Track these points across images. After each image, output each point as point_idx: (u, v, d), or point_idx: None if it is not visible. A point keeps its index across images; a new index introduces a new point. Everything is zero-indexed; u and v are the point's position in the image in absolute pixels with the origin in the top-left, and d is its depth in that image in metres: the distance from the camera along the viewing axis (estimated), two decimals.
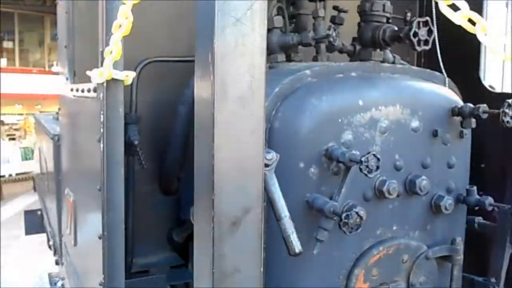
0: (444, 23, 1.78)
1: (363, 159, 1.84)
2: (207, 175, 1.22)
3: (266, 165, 1.64)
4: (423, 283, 2.21)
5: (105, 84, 1.84)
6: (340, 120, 1.98)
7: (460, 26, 1.32)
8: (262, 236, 1.31)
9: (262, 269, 1.32)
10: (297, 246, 1.65)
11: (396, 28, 2.19)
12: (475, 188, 2.24)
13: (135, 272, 2.56)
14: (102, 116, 1.84)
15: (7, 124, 14.88)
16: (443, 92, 2.24)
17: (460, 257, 2.23)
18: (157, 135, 2.57)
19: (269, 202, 1.69)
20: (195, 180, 1.32)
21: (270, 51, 2.22)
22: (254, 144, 1.29)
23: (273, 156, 1.65)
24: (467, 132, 2.24)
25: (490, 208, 2.22)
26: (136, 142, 2.33)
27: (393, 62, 2.36)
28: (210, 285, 1.20)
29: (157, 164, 2.58)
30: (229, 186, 1.25)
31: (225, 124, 1.23)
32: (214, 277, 1.21)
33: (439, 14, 1.44)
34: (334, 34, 2.25)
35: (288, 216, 1.67)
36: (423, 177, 2.10)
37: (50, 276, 4.13)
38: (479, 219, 2.38)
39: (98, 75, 1.83)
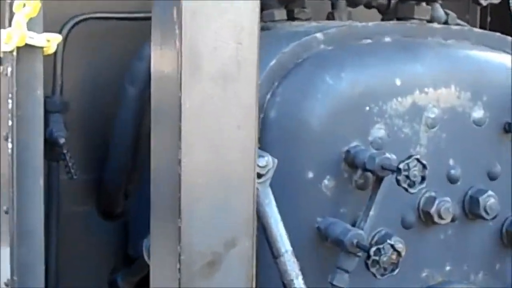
0: None
1: (401, 166, 1.84)
2: (170, 190, 1.22)
3: (258, 176, 1.64)
4: None
5: (15, 53, 1.82)
6: (367, 108, 1.98)
7: None
8: (253, 281, 1.30)
9: None
10: None
11: None
12: None
13: None
14: (10, 101, 1.82)
15: None
16: None
17: None
18: (93, 130, 2.55)
19: (262, 231, 1.69)
20: (151, 197, 1.31)
21: (264, 5, 2.21)
22: (241, 144, 1.28)
23: (268, 162, 1.65)
24: None
25: None
26: (62, 141, 2.30)
27: (446, 22, 2.36)
28: None
29: (94, 173, 2.56)
30: (203, 207, 1.24)
31: (197, 113, 1.22)
32: None
33: None
34: None
35: (290, 252, 1.67)
36: (490, 192, 2.10)
37: None
38: None
39: (4, 40, 1.82)
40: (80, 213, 2.59)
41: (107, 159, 2.49)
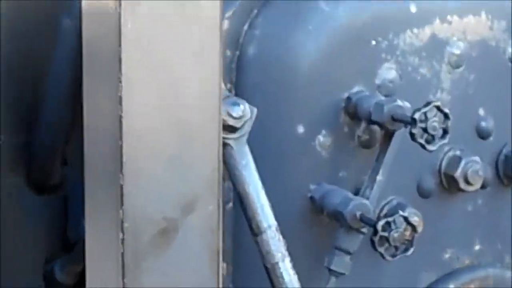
0: None
1: (417, 116, 1.84)
2: (109, 137, 1.21)
3: (233, 129, 1.63)
4: None
5: None
6: (373, 42, 1.98)
7: None
8: (219, 255, 1.31)
9: None
10: (291, 284, 1.67)
11: None
12: None
13: None
14: None
15: None
16: None
17: None
18: (20, 79, 2.53)
19: (239, 200, 1.70)
20: (85, 148, 1.32)
21: None
22: (200, 79, 1.27)
23: (245, 111, 1.65)
24: None
25: None
26: None
27: None
28: None
29: (23, 136, 2.55)
30: (153, 160, 1.24)
31: (142, 37, 1.20)
32: None
33: None
34: None
35: (274, 227, 1.68)
36: None
37: None
38: None
39: None
40: (8, 187, 2.58)
41: (39, 118, 2.47)
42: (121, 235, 1.23)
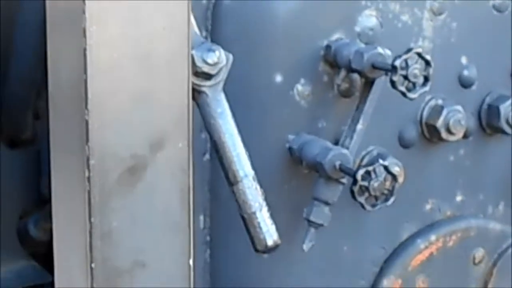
0: None
1: (398, 63, 1.82)
2: (73, 70, 1.18)
3: (208, 76, 1.61)
4: None
5: None
6: None
7: None
8: (190, 194, 1.29)
9: (191, 262, 1.33)
10: (269, 234, 1.66)
11: None
12: None
13: None
14: None
15: None
16: None
17: None
18: None
19: (215, 150, 1.68)
20: (49, 81, 1.30)
21: None
22: (170, 16, 1.24)
23: (220, 57, 1.62)
24: None
25: None
26: None
27: None
28: None
29: None
30: (120, 95, 1.21)
31: None
32: (95, 279, 1.19)
33: None
34: None
35: (251, 176, 1.66)
36: None
37: None
38: None
39: None
40: None
41: (7, 65, 2.44)
42: (87, 173, 1.21)
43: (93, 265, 1.22)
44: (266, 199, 1.69)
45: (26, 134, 2.57)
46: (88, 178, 1.21)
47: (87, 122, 1.19)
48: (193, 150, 1.87)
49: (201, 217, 1.95)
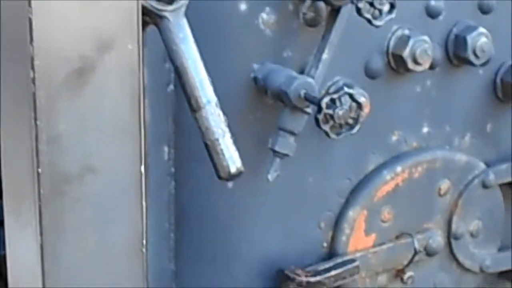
0: None
1: None
2: None
3: (169, 1, 1.58)
4: (477, 233, 2.30)
5: None
6: None
7: None
8: (140, 98, 1.27)
9: (143, 169, 1.29)
10: (232, 160, 1.65)
11: None
12: None
13: None
14: None
15: None
16: None
17: None
18: None
19: (177, 76, 1.66)
20: None
21: None
22: None
23: None
24: None
25: None
26: None
27: None
28: (33, 202, 1.18)
29: None
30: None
31: None
32: (42, 185, 1.17)
33: None
34: None
35: (214, 103, 1.64)
36: (481, 29, 2.11)
37: None
38: None
39: None
40: None
41: None
42: (32, 74, 1.17)
43: (39, 170, 1.19)
44: (229, 126, 1.67)
45: None
46: (33, 79, 1.17)
47: (30, 21, 1.15)
48: (156, 81, 1.86)
49: (166, 148, 1.93)
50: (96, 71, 1.22)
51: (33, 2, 1.14)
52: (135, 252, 1.31)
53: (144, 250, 1.33)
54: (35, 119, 1.18)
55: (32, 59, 1.16)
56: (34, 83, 1.17)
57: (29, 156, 1.21)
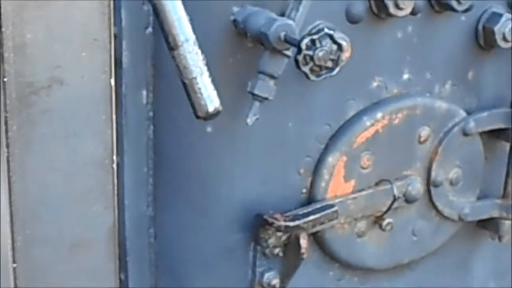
0: None
1: None
2: None
3: None
4: (456, 181, 2.30)
5: None
6: None
7: None
8: (111, 11, 1.23)
9: (113, 82, 1.26)
10: (209, 99, 1.63)
11: None
12: None
13: None
14: None
15: None
16: None
17: None
18: None
19: (155, 14, 1.63)
20: None
21: None
22: None
23: None
24: None
25: None
26: None
27: None
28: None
29: None
30: None
31: None
32: (7, 96, 1.14)
33: None
34: None
35: (192, 41, 1.62)
36: None
37: None
38: None
39: None
40: None
41: None
42: None
43: (5, 79, 1.16)
44: (207, 65, 1.64)
45: None
46: None
47: None
48: (135, 23, 1.82)
49: (144, 92, 1.90)
50: None
51: None
52: (105, 167, 1.28)
53: (114, 166, 1.30)
54: (0, 26, 1.13)
55: None
56: None
57: None
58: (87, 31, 1.21)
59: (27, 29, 1.17)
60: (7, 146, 1.18)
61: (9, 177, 1.20)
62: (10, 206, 1.23)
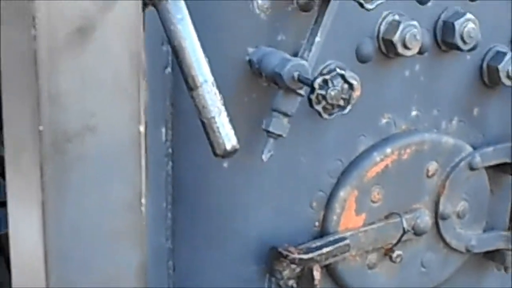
0: None
1: None
2: None
3: None
4: (463, 214, 2.31)
5: None
6: None
7: None
8: (141, 60, 1.26)
9: (142, 129, 1.30)
10: (227, 138, 1.65)
11: None
12: None
13: None
14: None
15: None
16: None
17: None
18: None
19: (175, 55, 1.65)
20: None
21: None
22: None
23: None
24: None
25: None
26: None
27: None
28: (34, 159, 1.17)
29: None
30: None
31: None
32: (43, 143, 1.16)
33: None
34: None
35: (210, 82, 1.64)
36: (469, 15, 2.12)
37: None
38: None
39: None
40: None
41: None
42: (33, 31, 1.16)
43: (41, 128, 1.18)
44: (225, 105, 1.67)
45: None
46: (34, 37, 1.15)
47: None
48: (154, 64, 1.85)
49: (163, 130, 1.93)
50: (97, 30, 1.20)
51: None
52: (134, 210, 1.31)
53: (143, 208, 1.33)
54: (37, 77, 1.16)
55: (34, 17, 1.14)
56: (36, 41, 1.15)
57: (30, 114, 1.19)
58: (117, 81, 1.24)
59: (62, 79, 1.19)
60: (42, 190, 1.21)
61: (43, 220, 1.23)
62: (44, 246, 1.25)
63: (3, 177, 2.62)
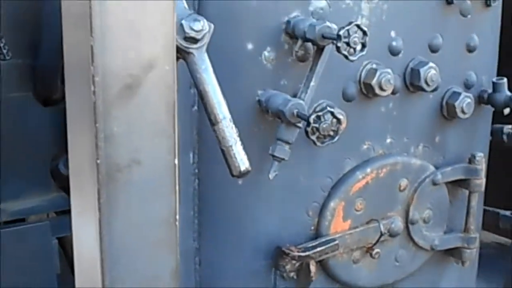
0: None
1: (342, 32, 1.81)
2: (80, 13, 1.17)
3: (194, 40, 1.58)
4: (428, 220, 2.30)
5: None
6: None
7: None
8: (175, 108, 1.28)
9: (176, 161, 1.31)
10: (242, 162, 1.65)
11: None
12: (505, 81, 2.28)
13: (5, 222, 2.51)
14: None
15: None
16: None
17: (481, 181, 2.30)
18: (25, 10, 2.43)
19: (200, 97, 1.66)
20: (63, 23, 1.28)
21: None
22: None
23: (203, 25, 1.59)
24: None
25: None
26: None
27: None
28: (93, 185, 1.19)
29: (29, 58, 2.46)
30: (117, 24, 1.20)
31: None
32: (99, 172, 1.19)
33: None
34: None
35: (228, 118, 1.64)
36: (431, 64, 2.12)
37: None
38: (509, 129, 2.43)
39: None
40: (17, 100, 2.50)
41: (42, 39, 2.39)
42: (92, 88, 1.19)
43: (98, 161, 1.20)
44: (240, 136, 1.68)
45: (56, 95, 2.53)
46: (94, 92, 1.18)
47: (92, 47, 1.18)
48: (184, 103, 1.86)
49: (191, 154, 1.93)
50: (142, 86, 1.22)
51: (93, 32, 1.16)
52: (170, 224, 1.31)
53: (177, 223, 1.33)
54: (95, 122, 1.19)
55: (93, 77, 1.18)
56: (94, 95, 1.18)
57: (90, 150, 1.21)
58: (157, 124, 1.26)
59: (114, 124, 1.22)
60: (99, 210, 1.22)
61: (100, 233, 1.24)
62: (101, 254, 1.26)
63: (67, 192, 2.62)
